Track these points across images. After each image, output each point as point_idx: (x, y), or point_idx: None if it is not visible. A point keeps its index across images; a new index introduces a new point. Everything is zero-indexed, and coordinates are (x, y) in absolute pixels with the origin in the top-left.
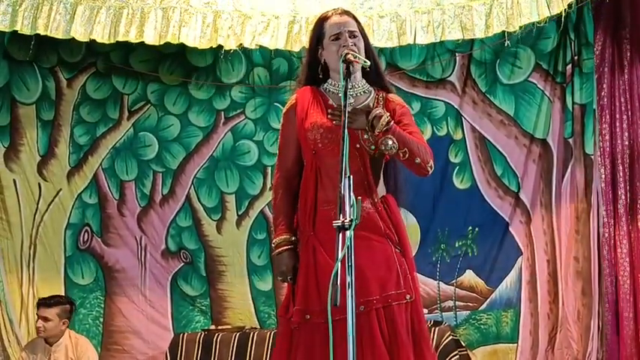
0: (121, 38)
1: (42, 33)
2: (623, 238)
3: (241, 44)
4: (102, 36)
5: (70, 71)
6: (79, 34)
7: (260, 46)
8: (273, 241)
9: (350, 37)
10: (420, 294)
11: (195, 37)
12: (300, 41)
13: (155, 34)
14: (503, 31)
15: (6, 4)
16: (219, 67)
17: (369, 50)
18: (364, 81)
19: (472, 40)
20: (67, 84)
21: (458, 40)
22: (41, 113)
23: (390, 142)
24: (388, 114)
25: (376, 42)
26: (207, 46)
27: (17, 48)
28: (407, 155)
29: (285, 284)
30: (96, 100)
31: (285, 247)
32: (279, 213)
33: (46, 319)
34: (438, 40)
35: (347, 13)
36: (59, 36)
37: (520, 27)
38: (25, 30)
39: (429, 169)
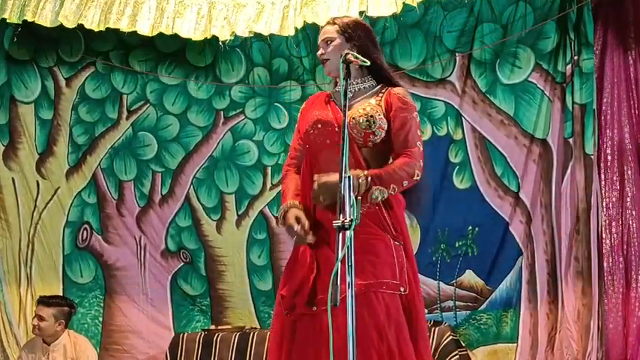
0: (112, 25)
1: (29, 19)
2: (627, 237)
3: (233, 32)
4: (91, 22)
5: (69, 70)
6: (68, 20)
7: (254, 33)
8: (280, 208)
9: (323, 47)
10: (419, 290)
11: (189, 29)
12: (296, 24)
13: (148, 24)
14: (504, 33)
15: None
16: (218, 67)
17: (353, 44)
18: (366, 78)
19: (472, 40)
20: (66, 83)
21: None
22: (40, 112)
23: (377, 193)
24: (364, 172)
25: (374, 11)
26: (202, 37)
27: (17, 47)
28: (396, 189)
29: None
30: (95, 99)
31: (289, 208)
32: (287, 190)
33: (41, 319)
34: None
35: (328, 22)
36: (47, 24)
37: None
38: (14, 18)
39: (417, 178)
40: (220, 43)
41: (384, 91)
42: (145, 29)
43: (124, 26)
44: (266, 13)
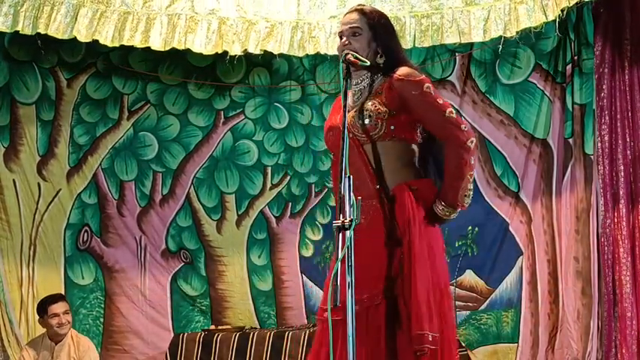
0: (126, 42)
1: (42, 32)
2: (625, 237)
3: (246, 49)
4: (105, 38)
5: (70, 71)
6: (82, 36)
7: (264, 51)
8: None
9: (350, 35)
10: (422, 281)
11: (200, 44)
12: (304, 47)
13: (161, 40)
14: (501, 36)
15: (7, 5)
16: (218, 67)
17: (379, 41)
18: (377, 75)
19: None
20: (67, 84)
21: (456, 43)
22: (41, 113)
23: (452, 210)
24: (440, 202)
25: None
26: (213, 51)
27: (17, 48)
28: (470, 175)
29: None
30: (96, 100)
31: None
32: None
33: (66, 312)
34: (437, 44)
35: (357, 10)
36: (60, 36)
37: (517, 32)
38: (27, 30)
39: (472, 144)
40: (227, 58)
41: (387, 79)
42: (158, 44)
43: (138, 42)
44: (276, 32)
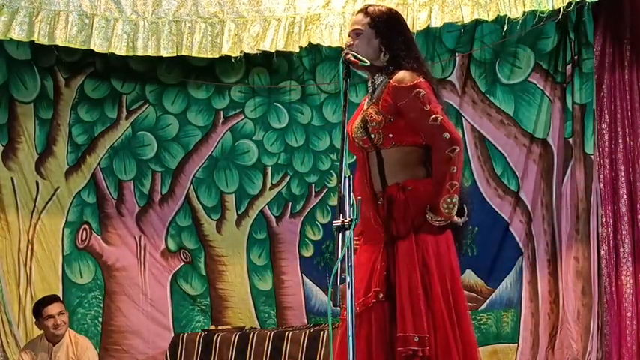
0: (140, 53)
1: (61, 44)
2: (625, 237)
3: (242, 51)
4: (119, 49)
5: (68, 70)
6: (98, 46)
7: (262, 51)
8: None
9: (353, 36)
10: (406, 283)
11: (205, 48)
12: (300, 42)
13: (172, 46)
14: (504, 19)
15: (22, 14)
16: (218, 67)
17: (381, 39)
18: (385, 74)
19: (472, 40)
20: (65, 83)
21: (458, 21)
22: (39, 112)
23: (459, 219)
24: (427, 210)
25: None
26: (217, 55)
27: (16, 47)
28: (454, 184)
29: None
30: (94, 99)
31: None
32: None
33: (62, 313)
34: (439, 24)
35: (362, 10)
36: (77, 46)
37: (523, 13)
38: (43, 40)
39: (454, 153)
40: (233, 60)
41: (387, 84)
42: (167, 52)
43: (150, 52)
44: (272, 29)
